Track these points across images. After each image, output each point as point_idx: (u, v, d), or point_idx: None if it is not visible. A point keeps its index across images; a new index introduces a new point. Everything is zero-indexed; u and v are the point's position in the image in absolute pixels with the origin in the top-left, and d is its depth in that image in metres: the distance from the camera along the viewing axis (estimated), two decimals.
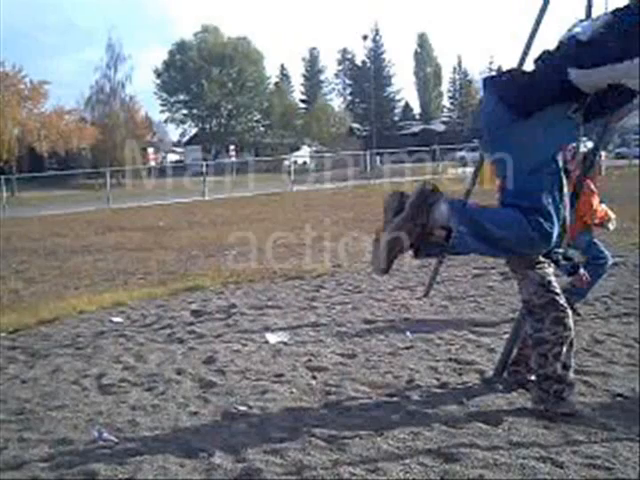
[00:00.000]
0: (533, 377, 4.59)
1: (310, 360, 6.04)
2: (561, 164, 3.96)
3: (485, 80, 4.12)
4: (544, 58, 3.90)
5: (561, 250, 4.36)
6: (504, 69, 4.41)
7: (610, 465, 3.74)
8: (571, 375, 4.44)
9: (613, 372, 5.18)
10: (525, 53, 6.49)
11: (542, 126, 3.76)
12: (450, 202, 3.84)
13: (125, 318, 8.17)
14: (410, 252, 4.03)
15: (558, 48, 3.88)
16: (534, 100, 3.73)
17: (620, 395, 4.71)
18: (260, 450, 4.21)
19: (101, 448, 4.38)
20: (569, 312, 4.38)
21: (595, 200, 6.83)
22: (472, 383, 5.20)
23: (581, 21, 4.04)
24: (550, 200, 3.81)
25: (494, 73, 4.84)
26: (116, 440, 4.48)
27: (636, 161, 35.94)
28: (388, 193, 4.05)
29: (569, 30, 3.90)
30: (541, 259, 4.34)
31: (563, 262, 4.53)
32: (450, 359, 5.83)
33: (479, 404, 4.75)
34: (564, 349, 4.35)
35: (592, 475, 3.64)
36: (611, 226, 7.07)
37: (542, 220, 3.75)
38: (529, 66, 4.23)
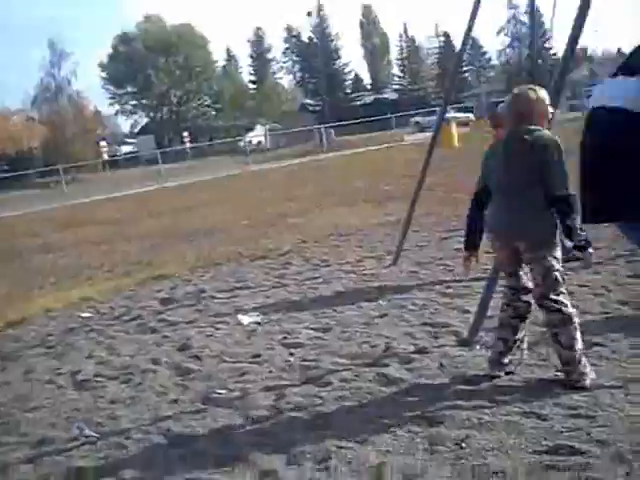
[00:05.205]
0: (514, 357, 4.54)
1: (285, 338, 6.01)
2: None
3: None
4: None
5: None
6: None
7: (592, 413, 3.78)
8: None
9: (587, 322, 5.21)
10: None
11: None
12: None
13: (94, 313, 8.06)
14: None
15: None
16: None
17: (596, 344, 4.75)
18: (245, 432, 4.19)
19: (83, 445, 4.33)
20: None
21: None
22: (449, 345, 5.22)
23: None
24: None
25: None
26: (98, 435, 4.42)
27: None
28: None
29: None
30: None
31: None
32: (425, 323, 5.85)
33: (458, 365, 4.77)
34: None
35: (576, 425, 3.67)
36: None
37: None
38: None
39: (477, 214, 4.51)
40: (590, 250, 4.01)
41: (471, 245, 4.58)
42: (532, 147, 4.06)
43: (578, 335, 4.19)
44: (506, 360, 4.47)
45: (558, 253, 4.19)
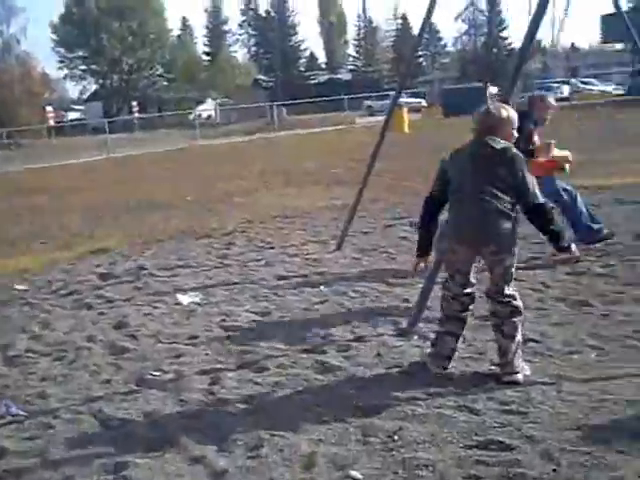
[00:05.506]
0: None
1: (224, 320, 5.95)
2: None
3: None
4: None
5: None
6: None
7: (524, 409, 3.83)
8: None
9: (524, 318, 5.25)
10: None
11: None
12: None
13: (29, 285, 7.87)
14: None
15: None
16: None
17: (532, 340, 4.80)
18: (177, 416, 4.13)
19: (10, 423, 4.22)
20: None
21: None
22: (387, 334, 5.22)
23: None
24: None
25: None
26: (25, 414, 4.32)
27: None
28: None
29: None
30: None
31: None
32: (364, 311, 5.84)
33: (395, 355, 4.78)
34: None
35: (507, 420, 3.71)
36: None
37: None
38: None
39: (433, 217, 4.54)
40: (573, 246, 4.27)
41: (424, 251, 4.61)
42: (500, 157, 4.14)
43: (520, 327, 4.27)
44: (455, 355, 4.48)
45: (516, 250, 4.27)
